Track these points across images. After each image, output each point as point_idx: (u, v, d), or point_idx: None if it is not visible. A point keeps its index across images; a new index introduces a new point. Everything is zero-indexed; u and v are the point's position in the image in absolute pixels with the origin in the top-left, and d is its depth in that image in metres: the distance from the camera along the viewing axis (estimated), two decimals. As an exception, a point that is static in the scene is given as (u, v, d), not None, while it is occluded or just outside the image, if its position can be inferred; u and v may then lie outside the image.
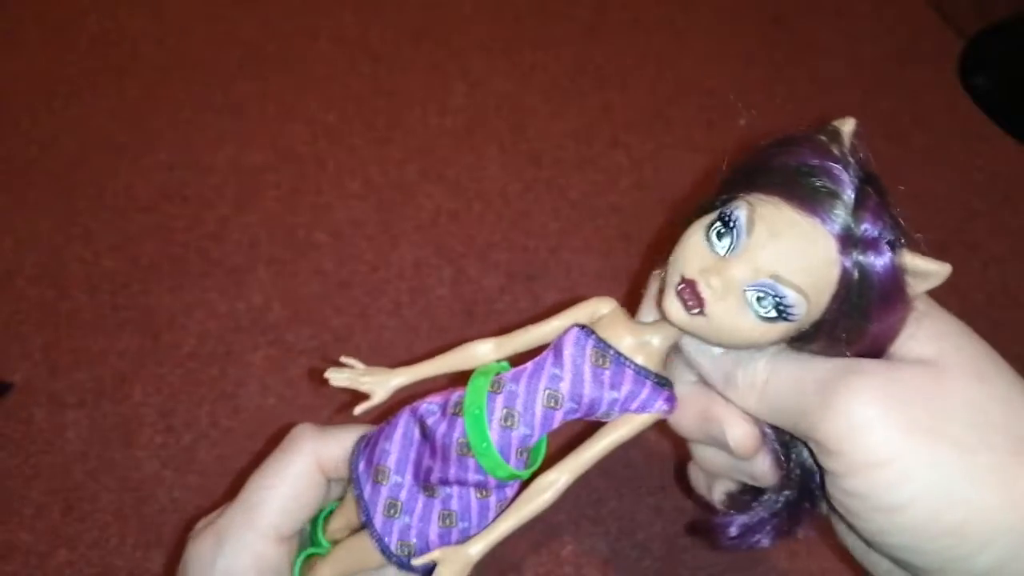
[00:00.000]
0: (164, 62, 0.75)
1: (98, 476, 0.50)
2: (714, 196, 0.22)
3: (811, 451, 0.23)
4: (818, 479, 0.24)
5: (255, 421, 0.52)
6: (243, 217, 0.63)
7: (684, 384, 0.25)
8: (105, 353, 0.55)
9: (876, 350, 0.21)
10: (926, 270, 0.20)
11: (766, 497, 0.25)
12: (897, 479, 0.19)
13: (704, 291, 0.21)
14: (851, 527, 0.22)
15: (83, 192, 0.65)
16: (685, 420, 0.25)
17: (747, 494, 0.26)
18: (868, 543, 0.22)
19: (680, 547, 0.48)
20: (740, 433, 0.23)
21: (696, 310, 0.21)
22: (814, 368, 0.21)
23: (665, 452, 0.51)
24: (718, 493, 0.27)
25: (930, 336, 0.21)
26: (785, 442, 0.24)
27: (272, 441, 0.28)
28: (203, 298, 0.58)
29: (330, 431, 0.27)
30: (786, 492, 0.24)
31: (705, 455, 0.26)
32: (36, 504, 0.49)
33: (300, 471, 0.26)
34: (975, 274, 0.61)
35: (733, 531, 0.25)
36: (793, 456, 0.24)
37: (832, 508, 0.22)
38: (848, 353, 0.21)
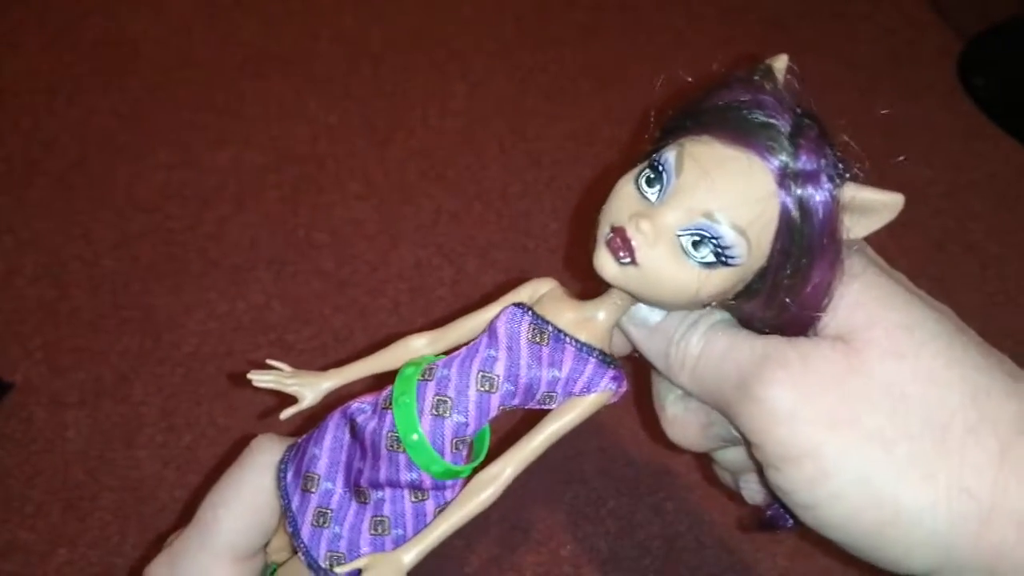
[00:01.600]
0: (165, 63, 0.75)
1: (98, 475, 0.50)
2: (646, 149, 0.21)
3: None
4: None
5: (255, 421, 0.53)
6: (244, 217, 0.64)
7: (674, 403, 0.24)
8: (105, 352, 0.55)
9: (813, 307, 0.20)
10: (875, 202, 0.19)
11: None
12: (814, 475, 0.18)
13: (635, 237, 0.19)
14: None
15: (84, 192, 0.65)
16: (692, 439, 0.23)
17: None
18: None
19: (680, 547, 0.48)
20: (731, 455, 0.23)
21: (627, 259, 0.19)
22: (738, 350, 0.20)
23: (666, 452, 0.51)
24: (746, 487, 0.26)
25: (849, 305, 0.19)
26: None
27: (234, 453, 0.26)
28: (203, 298, 0.58)
29: (290, 442, 0.26)
30: None
31: (725, 456, 0.25)
32: (36, 503, 0.49)
33: (255, 486, 0.24)
34: (974, 275, 0.61)
35: (790, 518, 0.24)
36: None
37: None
38: (788, 311, 0.19)
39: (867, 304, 0.19)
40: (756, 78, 0.20)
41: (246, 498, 0.24)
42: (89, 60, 0.75)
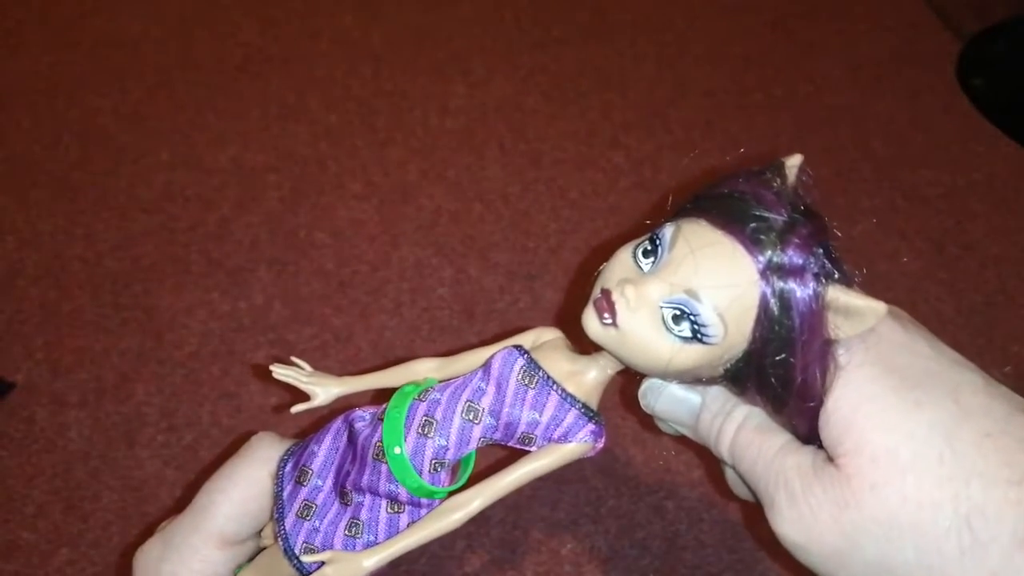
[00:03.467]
0: (166, 63, 0.76)
1: (100, 475, 0.50)
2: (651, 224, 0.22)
3: None
4: None
5: (256, 421, 0.53)
6: (245, 217, 0.64)
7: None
8: (107, 353, 0.55)
9: (809, 399, 0.20)
10: (856, 307, 0.19)
11: None
12: (795, 547, 0.21)
13: (618, 301, 0.20)
14: None
15: (85, 192, 0.65)
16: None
17: None
18: None
19: (680, 546, 0.48)
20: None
21: (608, 320, 0.20)
22: (756, 468, 0.22)
23: (665, 451, 0.51)
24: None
25: (840, 424, 0.20)
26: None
27: (233, 449, 0.28)
28: (205, 298, 0.59)
29: (288, 443, 0.27)
30: None
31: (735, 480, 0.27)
32: (38, 503, 0.49)
33: (252, 478, 0.26)
34: (973, 275, 0.61)
35: None
36: None
37: None
38: (785, 401, 0.21)
39: (856, 425, 0.20)
40: (766, 174, 0.21)
41: (241, 488, 0.26)
42: (90, 61, 0.75)
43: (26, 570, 0.47)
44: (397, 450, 0.23)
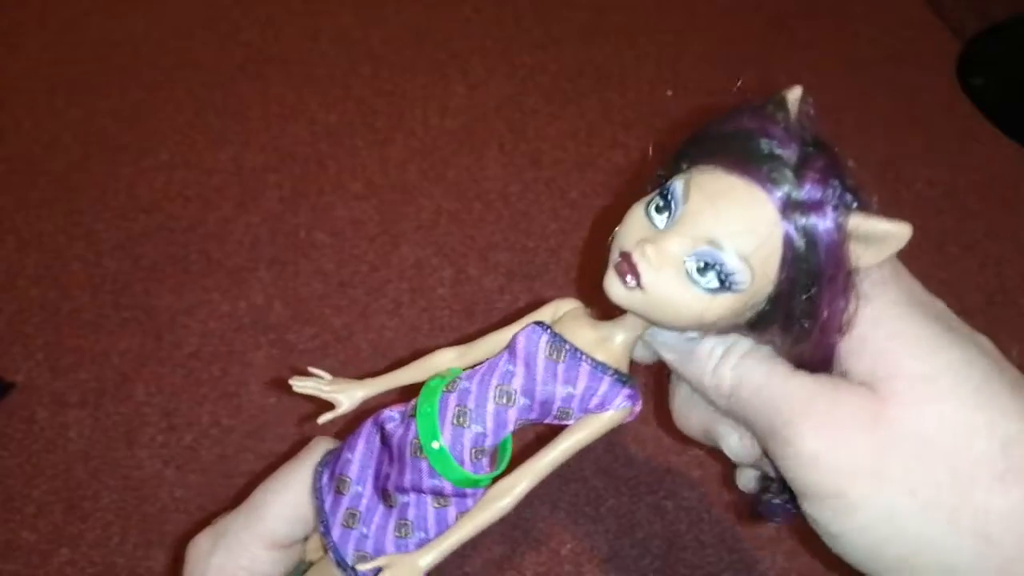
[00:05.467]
0: (166, 63, 0.76)
1: (100, 475, 0.50)
2: (656, 174, 0.21)
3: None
4: None
5: (256, 420, 0.53)
6: (245, 217, 0.64)
7: (682, 402, 0.25)
8: (107, 353, 0.55)
9: (831, 334, 0.20)
10: (881, 232, 0.19)
11: None
12: (841, 511, 0.19)
13: (640, 262, 0.20)
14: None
15: (85, 192, 0.65)
16: (692, 432, 0.24)
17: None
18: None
19: (680, 546, 0.48)
20: (734, 441, 0.23)
21: (633, 283, 0.20)
22: (769, 390, 0.21)
23: (666, 451, 0.51)
24: (741, 475, 0.26)
25: (874, 353, 0.20)
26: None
27: (276, 442, 0.28)
28: (205, 298, 0.59)
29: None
30: None
31: (728, 445, 0.25)
32: (38, 503, 0.49)
33: (306, 482, 0.26)
34: (972, 275, 0.61)
35: (792, 508, 0.25)
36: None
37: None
38: (808, 338, 0.20)
39: (892, 352, 0.20)
40: (768, 108, 0.20)
41: (294, 491, 0.26)
42: (90, 61, 0.75)
43: (26, 570, 0.47)
44: (435, 444, 0.23)
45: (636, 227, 0.20)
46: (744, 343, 0.22)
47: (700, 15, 0.82)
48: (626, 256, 0.20)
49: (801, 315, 0.20)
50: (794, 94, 0.20)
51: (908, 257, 0.20)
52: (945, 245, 0.62)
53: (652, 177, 0.22)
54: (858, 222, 0.19)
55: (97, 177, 0.66)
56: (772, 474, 0.25)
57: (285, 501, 0.26)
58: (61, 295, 0.58)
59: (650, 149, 0.22)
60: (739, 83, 0.23)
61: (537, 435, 0.24)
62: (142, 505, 0.49)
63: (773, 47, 0.79)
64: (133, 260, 0.61)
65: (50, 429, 0.52)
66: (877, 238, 0.19)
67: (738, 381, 0.21)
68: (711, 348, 0.22)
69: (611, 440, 0.52)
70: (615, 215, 0.22)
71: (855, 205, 0.19)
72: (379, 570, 0.23)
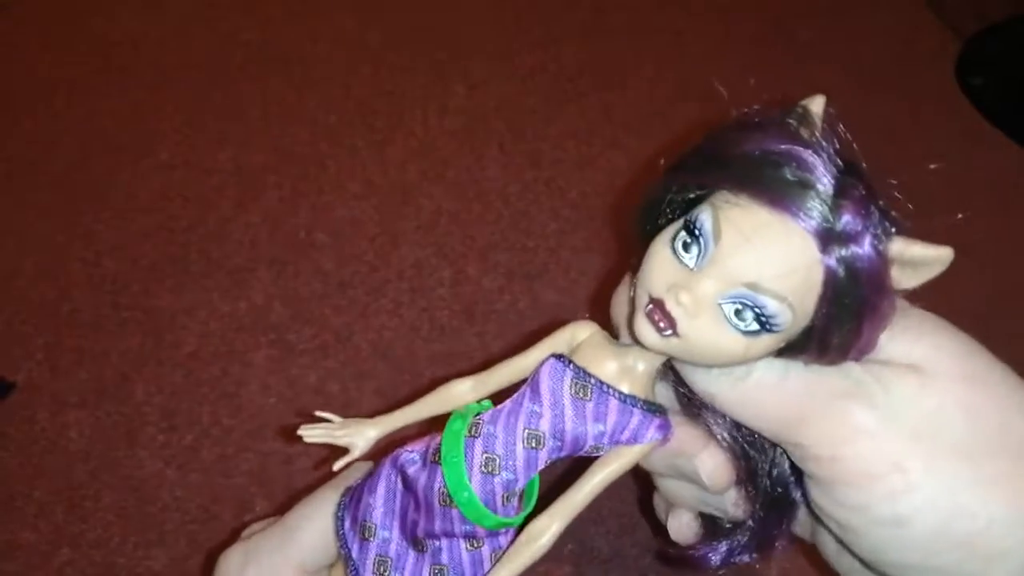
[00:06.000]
0: (165, 63, 0.76)
1: (100, 475, 0.50)
2: (667, 189, 0.20)
3: (792, 465, 0.21)
4: (793, 496, 0.22)
5: (257, 420, 0.53)
6: (244, 217, 0.64)
7: None
8: (107, 353, 0.55)
9: (868, 350, 0.20)
10: (925, 257, 0.18)
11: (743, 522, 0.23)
12: (900, 490, 0.18)
13: (674, 310, 0.19)
14: (842, 544, 0.21)
15: (85, 193, 0.65)
16: (653, 455, 0.23)
17: (720, 522, 0.25)
18: (863, 561, 0.21)
19: (680, 546, 0.48)
20: (712, 466, 0.22)
21: (668, 331, 0.19)
22: (806, 372, 0.19)
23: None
24: (675, 521, 0.25)
25: (910, 339, 0.20)
26: (753, 471, 0.22)
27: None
28: (204, 298, 0.59)
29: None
30: (760, 512, 0.23)
31: (670, 487, 0.25)
32: (38, 503, 0.49)
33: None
34: (972, 276, 0.61)
35: (716, 559, 0.24)
36: (762, 480, 0.22)
37: (818, 522, 0.21)
38: (840, 360, 0.19)
39: (928, 335, 0.20)
40: (791, 124, 0.19)
41: (326, 518, 0.26)
42: (90, 61, 0.75)
43: (27, 570, 0.47)
44: (466, 495, 0.22)
45: (664, 268, 0.19)
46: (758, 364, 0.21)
47: (700, 15, 0.82)
48: (658, 303, 0.19)
49: (839, 345, 0.19)
50: (817, 105, 0.19)
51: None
52: (944, 246, 0.62)
53: (663, 196, 0.20)
54: (900, 248, 0.18)
55: (97, 177, 0.66)
56: (724, 514, 0.24)
57: (317, 528, 0.26)
58: (61, 295, 0.58)
59: (660, 162, 0.21)
60: (751, 85, 0.23)
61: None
62: (143, 505, 0.49)
63: (773, 47, 0.79)
64: (133, 260, 0.61)
65: (50, 429, 0.52)
66: (919, 263, 0.18)
67: (761, 372, 0.20)
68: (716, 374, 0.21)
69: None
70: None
71: (893, 230, 0.18)
72: None
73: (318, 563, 0.26)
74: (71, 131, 0.69)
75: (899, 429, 0.18)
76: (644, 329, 0.19)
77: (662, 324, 0.19)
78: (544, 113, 0.73)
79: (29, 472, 0.50)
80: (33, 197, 0.65)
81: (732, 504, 0.23)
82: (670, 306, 0.19)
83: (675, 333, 0.19)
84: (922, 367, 0.19)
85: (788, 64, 0.77)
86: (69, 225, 0.63)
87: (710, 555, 0.24)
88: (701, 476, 0.22)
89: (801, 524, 0.24)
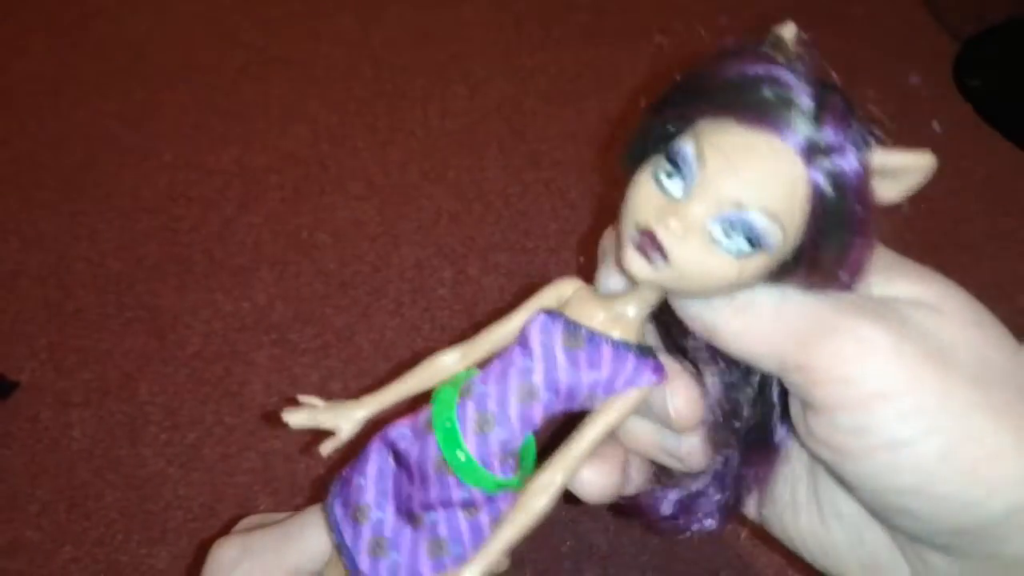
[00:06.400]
0: (169, 65, 0.76)
1: (103, 474, 0.50)
2: (650, 128, 0.20)
3: (784, 395, 0.21)
4: (772, 441, 0.22)
5: (259, 419, 0.53)
6: (247, 218, 0.64)
7: None
8: (111, 352, 0.56)
9: (856, 276, 0.19)
10: (905, 165, 0.18)
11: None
12: (909, 410, 0.17)
13: (664, 236, 0.18)
14: (839, 479, 0.20)
15: (89, 193, 0.65)
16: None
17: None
18: (862, 499, 0.20)
19: (678, 543, 0.48)
20: (683, 399, 0.21)
21: (659, 259, 0.18)
22: (812, 298, 0.19)
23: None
24: (589, 473, 0.23)
25: (913, 280, 0.19)
26: (733, 411, 0.22)
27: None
28: (208, 298, 0.59)
29: None
30: (727, 453, 0.22)
31: (628, 426, 0.23)
32: (42, 502, 0.49)
33: None
34: (970, 276, 0.61)
35: (666, 508, 0.23)
36: (742, 425, 0.22)
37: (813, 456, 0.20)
38: (833, 283, 0.19)
39: (936, 283, 0.19)
40: (766, 50, 0.19)
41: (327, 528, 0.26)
42: (94, 63, 0.76)
43: (30, 568, 0.47)
44: (462, 457, 0.21)
45: (648, 198, 0.19)
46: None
47: (699, 17, 0.83)
48: (647, 233, 0.19)
49: (830, 264, 0.19)
50: (789, 32, 0.19)
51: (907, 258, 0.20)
52: (942, 247, 0.62)
53: (643, 134, 0.20)
54: (880, 158, 0.18)
55: (101, 178, 0.67)
56: (678, 464, 0.23)
57: (317, 534, 0.25)
58: (65, 295, 0.59)
59: (640, 102, 0.21)
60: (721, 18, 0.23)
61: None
62: (145, 503, 0.49)
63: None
64: (136, 260, 0.61)
65: (54, 428, 0.52)
66: (900, 171, 0.18)
67: (759, 297, 0.19)
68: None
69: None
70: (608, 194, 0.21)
71: (873, 141, 0.18)
72: None
73: (311, 569, 0.26)
74: (76, 132, 0.70)
75: (913, 351, 0.18)
76: (634, 262, 0.19)
77: (652, 254, 0.19)
78: (544, 114, 0.73)
79: (32, 471, 0.50)
80: (38, 197, 0.65)
81: (688, 451, 0.22)
82: (659, 233, 0.18)
83: (666, 261, 0.19)
84: (935, 305, 0.19)
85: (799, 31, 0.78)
86: (74, 225, 0.63)
87: (659, 503, 0.23)
88: (669, 407, 0.21)
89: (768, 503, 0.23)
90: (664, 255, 0.18)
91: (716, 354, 0.21)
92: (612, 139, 0.66)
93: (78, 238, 0.62)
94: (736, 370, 0.22)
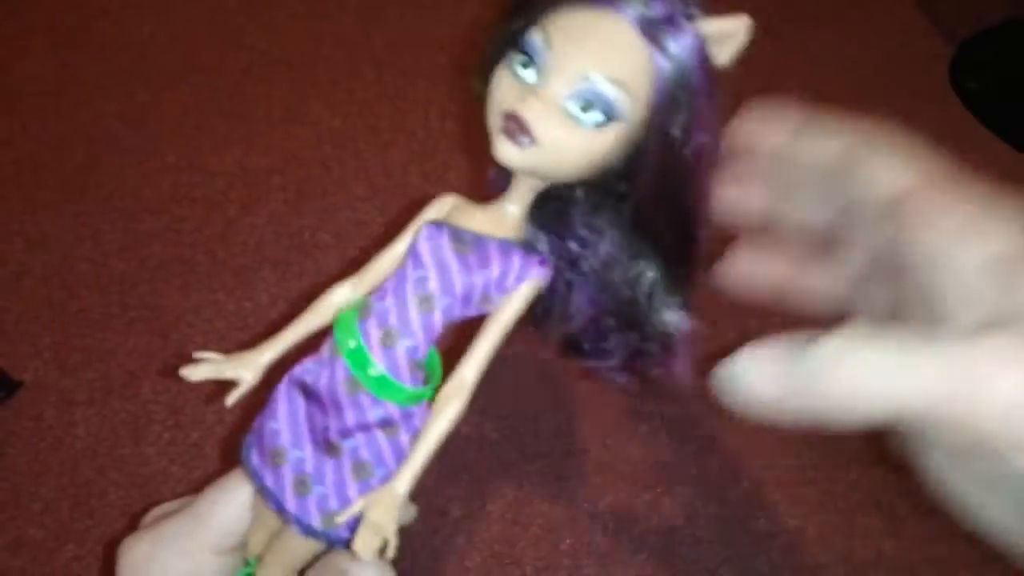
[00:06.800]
0: (171, 67, 0.76)
1: (107, 472, 0.51)
2: (499, 39, 0.22)
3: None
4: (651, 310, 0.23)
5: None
6: (250, 219, 0.65)
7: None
8: (114, 351, 0.56)
9: (708, 166, 0.21)
10: (727, 29, 0.20)
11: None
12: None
13: (527, 114, 0.20)
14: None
15: (92, 194, 0.66)
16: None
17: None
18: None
19: (677, 541, 0.49)
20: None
21: (527, 140, 0.20)
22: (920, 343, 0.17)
23: (662, 448, 0.52)
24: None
25: None
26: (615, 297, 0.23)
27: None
28: (210, 298, 0.59)
29: None
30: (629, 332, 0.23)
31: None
32: (45, 500, 0.49)
33: (248, 488, 0.25)
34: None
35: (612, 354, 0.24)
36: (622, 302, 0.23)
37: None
38: (689, 176, 0.20)
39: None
40: None
41: (239, 500, 0.25)
42: (97, 64, 0.76)
43: (33, 566, 0.47)
44: (372, 371, 0.22)
45: (508, 89, 0.21)
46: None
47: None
48: (512, 116, 0.20)
49: (681, 140, 0.20)
50: None
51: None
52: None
53: (495, 44, 0.22)
54: (708, 26, 0.20)
55: (104, 179, 0.67)
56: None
57: (227, 509, 0.25)
58: (68, 295, 0.59)
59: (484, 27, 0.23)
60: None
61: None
62: (148, 502, 0.49)
63: (767, 50, 0.80)
64: (140, 260, 0.61)
65: (57, 427, 0.53)
66: (724, 36, 0.20)
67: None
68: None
69: (609, 438, 0.53)
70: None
71: (697, 13, 0.20)
72: (357, 520, 0.22)
73: (231, 544, 0.25)
74: (78, 133, 0.70)
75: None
76: (504, 148, 0.20)
77: (521, 137, 0.20)
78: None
79: (36, 469, 0.51)
80: (41, 198, 0.65)
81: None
82: (522, 112, 0.20)
83: (533, 140, 0.20)
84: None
85: (782, 71, 0.78)
86: (77, 226, 0.64)
87: (604, 350, 0.24)
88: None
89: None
90: (530, 135, 0.20)
91: (596, 254, 0.23)
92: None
93: (81, 239, 0.63)
94: (614, 264, 0.23)
